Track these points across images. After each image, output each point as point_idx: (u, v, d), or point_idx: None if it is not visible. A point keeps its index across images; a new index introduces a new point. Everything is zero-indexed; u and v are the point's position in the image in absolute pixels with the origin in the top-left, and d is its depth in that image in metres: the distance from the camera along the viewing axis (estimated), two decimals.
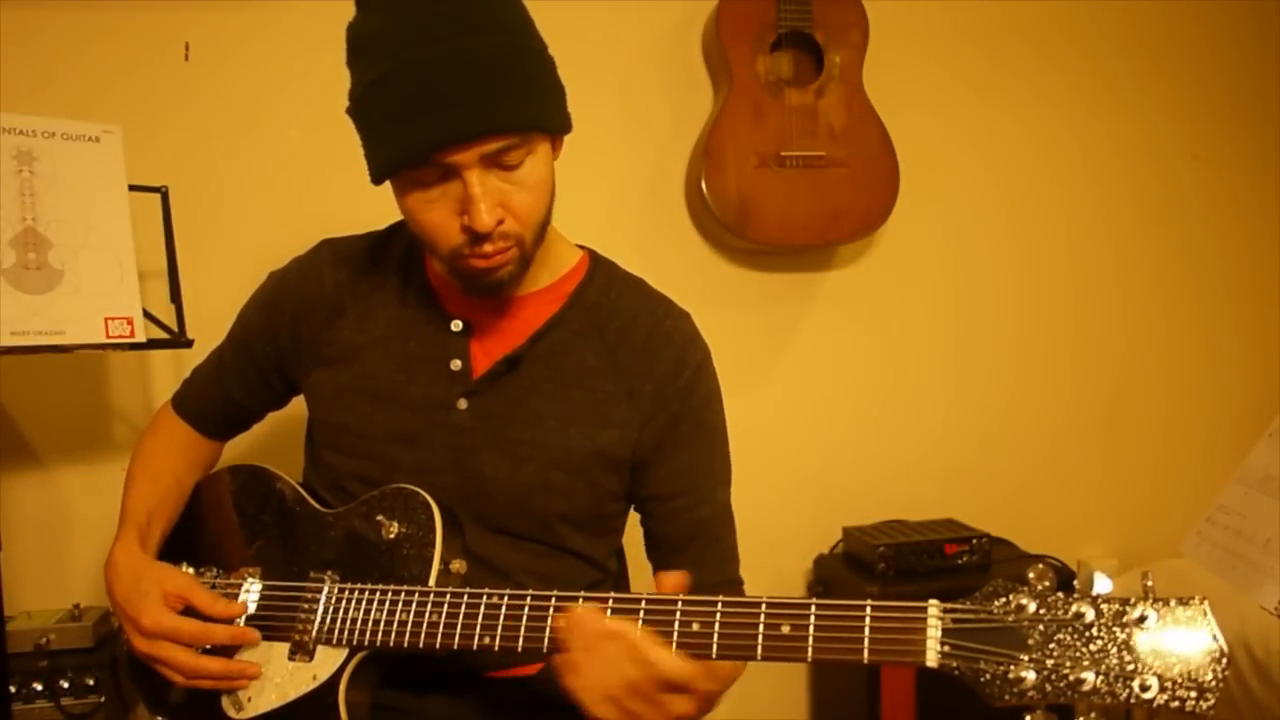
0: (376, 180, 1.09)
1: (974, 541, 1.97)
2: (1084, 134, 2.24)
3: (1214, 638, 0.72)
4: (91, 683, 1.62)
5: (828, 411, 2.16)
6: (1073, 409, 2.28)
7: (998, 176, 2.21)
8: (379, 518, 1.12)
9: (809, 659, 0.84)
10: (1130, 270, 2.29)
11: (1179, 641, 0.73)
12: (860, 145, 1.95)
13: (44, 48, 1.74)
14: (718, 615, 0.89)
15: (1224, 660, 0.71)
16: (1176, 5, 2.27)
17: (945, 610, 0.80)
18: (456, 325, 1.18)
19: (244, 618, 1.14)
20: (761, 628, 0.86)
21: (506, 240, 1.07)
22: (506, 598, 0.99)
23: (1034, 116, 2.22)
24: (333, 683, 1.06)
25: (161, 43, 1.80)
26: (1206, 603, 0.74)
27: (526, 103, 1.05)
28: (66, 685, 1.61)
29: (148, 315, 1.43)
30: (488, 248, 1.06)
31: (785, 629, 0.86)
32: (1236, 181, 2.33)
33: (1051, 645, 0.76)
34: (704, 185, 1.90)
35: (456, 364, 1.17)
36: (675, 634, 0.90)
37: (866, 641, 0.82)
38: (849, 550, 2.05)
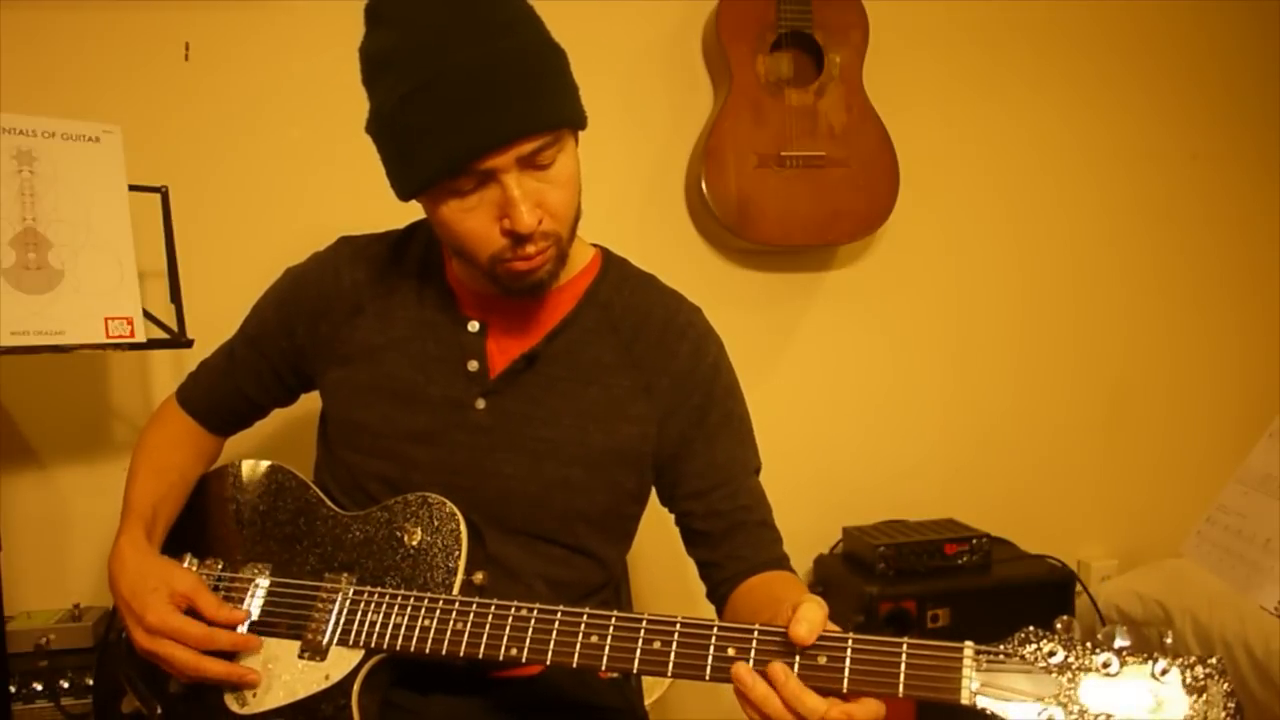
0: (408, 196, 1.08)
1: (974, 541, 1.97)
2: (1084, 134, 2.24)
3: (1230, 693, 0.78)
4: (91, 683, 1.62)
5: (827, 411, 2.16)
6: (1073, 409, 2.28)
7: (998, 176, 2.21)
8: (404, 524, 1.12)
9: (844, 690, 0.85)
10: (1130, 270, 2.30)
11: (1198, 696, 0.79)
12: (860, 145, 1.95)
13: (44, 48, 1.74)
14: (754, 643, 0.90)
15: (1238, 717, 0.78)
16: (1176, 5, 2.27)
17: (979, 652, 0.83)
18: (473, 326, 1.19)
19: (247, 624, 1.14)
20: (798, 657, 0.87)
21: (547, 240, 1.07)
22: (536, 611, 0.99)
23: (1034, 116, 2.22)
24: (346, 684, 1.06)
25: (161, 43, 1.79)
26: (1223, 661, 0.80)
27: (557, 100, 1.05)
28: (66, 685, 1.61)
29: (148, 315, 1.42)
30: (530, 249, 1.06)
31: (822, 660, 0.87)
32: (1236, 181, 2.33)
33: (1078, 691, 0.80)
34: (704, 185, 1.90)
35: (474, 364, 1.18)
36: (710, 660, 0.91)
37: (902, 678, 0.84)
38: (849, 550, 2.06)
